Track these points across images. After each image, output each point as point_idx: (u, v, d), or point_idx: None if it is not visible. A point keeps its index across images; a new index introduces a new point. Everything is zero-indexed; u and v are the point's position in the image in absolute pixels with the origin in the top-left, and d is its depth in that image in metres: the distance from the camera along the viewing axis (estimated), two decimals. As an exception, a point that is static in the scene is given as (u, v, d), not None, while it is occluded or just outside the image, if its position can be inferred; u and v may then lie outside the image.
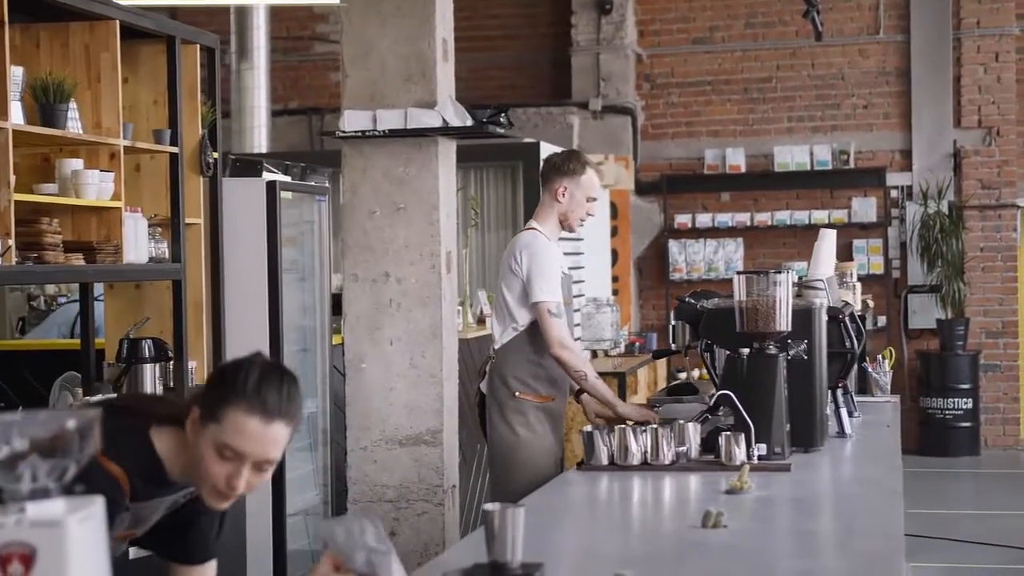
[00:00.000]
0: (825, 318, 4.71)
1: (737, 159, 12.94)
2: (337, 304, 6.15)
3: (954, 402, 12.32)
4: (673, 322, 5.14)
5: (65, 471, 1.74)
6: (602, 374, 9.10)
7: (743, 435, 4.20)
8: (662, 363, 11.38)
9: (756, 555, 3.06)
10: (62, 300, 8.05)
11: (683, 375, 12.24)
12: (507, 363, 5.28)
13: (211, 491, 2.63)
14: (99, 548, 1.75)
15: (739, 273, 4.46)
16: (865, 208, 12.72)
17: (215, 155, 5.95)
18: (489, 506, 2.72)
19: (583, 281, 10.57)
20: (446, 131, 5.95)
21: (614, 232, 12.39)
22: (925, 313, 12.67)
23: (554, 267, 5.22)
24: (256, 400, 2.56)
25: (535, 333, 5.20)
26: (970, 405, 12.34)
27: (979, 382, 12.46)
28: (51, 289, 7.92)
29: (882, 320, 12.62)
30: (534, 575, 2.73)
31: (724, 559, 3.00)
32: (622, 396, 8.76)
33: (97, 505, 1.76)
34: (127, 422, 2.68)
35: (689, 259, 13.02)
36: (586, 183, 5.35)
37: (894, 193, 12.81)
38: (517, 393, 5.23)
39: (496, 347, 5.35)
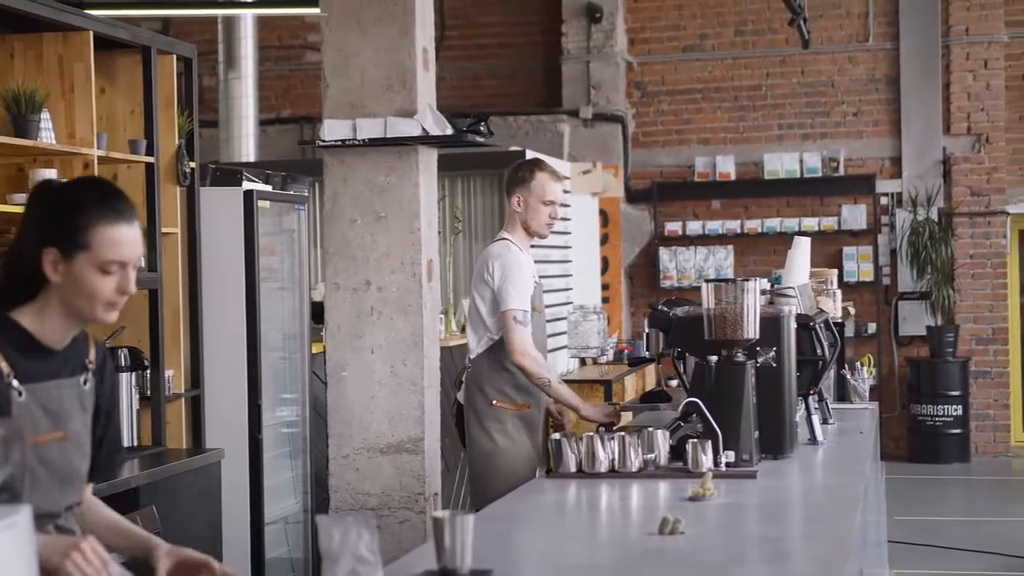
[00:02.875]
0: (794, 325, 4.72)
1: (727, 167, 12.96)
2: (319, 312, 6.17)
3: (944, 409, 12.32)
4: (647, 330, 5.16)
5: (-12, 480, 1.76)
6: (589, 381, 9.20)
7: (710, 442, 4.21)
8: (651, 370, 11.39)
9: (708, 561, 3.07)
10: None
11: (674, 383, 12.24)
12: (483, 372, 5.33)
13: (104, 308, 2.73)
14: (25, 556, 1.77)
15: (707, 281, 4.47)
16: (855, 215, 12.73)
17: (192, 165, 5.97)
18: (438, 514, 2.74)
19: (571, 289, 10.59)
20: (426, 140, 5.97)
21: (604, 240, 12.42)
22: (915, 320, 12.67)
23: (524, 276, 5.26)
24: (113, 213, 2.71)
25: None
26: (960, 412, 12.35)
27: (969, 389, 12.47)
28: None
29: (872, 327, 12.63)
30: (482, 582, 2.75)
31: (675, 565, 3.02)
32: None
33: (23, 514, 1.78)
34: None
35: (680, 267, 13.03)
36: (537, 188, 5.38)
37: (884, 200, 12.82)
38: (494, 402, 5.29)
39: (471, 356, 5.39)
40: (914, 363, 12.55)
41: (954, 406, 12.32)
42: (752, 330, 4.38)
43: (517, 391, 5.29)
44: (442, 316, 7.88)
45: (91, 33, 5.15)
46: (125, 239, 2.71)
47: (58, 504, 2.79)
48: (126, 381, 5.38)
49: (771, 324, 4.53)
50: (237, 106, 10.74)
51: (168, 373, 5.74)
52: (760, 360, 4.47)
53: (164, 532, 4.79)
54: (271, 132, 12.95)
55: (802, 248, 5.49)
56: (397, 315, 5.98)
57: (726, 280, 4.45)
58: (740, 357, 4.40)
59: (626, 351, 10.95)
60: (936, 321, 12.46)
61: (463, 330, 8.07)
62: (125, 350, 5.43)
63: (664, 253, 13.02)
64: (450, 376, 6.90)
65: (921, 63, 12.71)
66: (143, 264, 5.62)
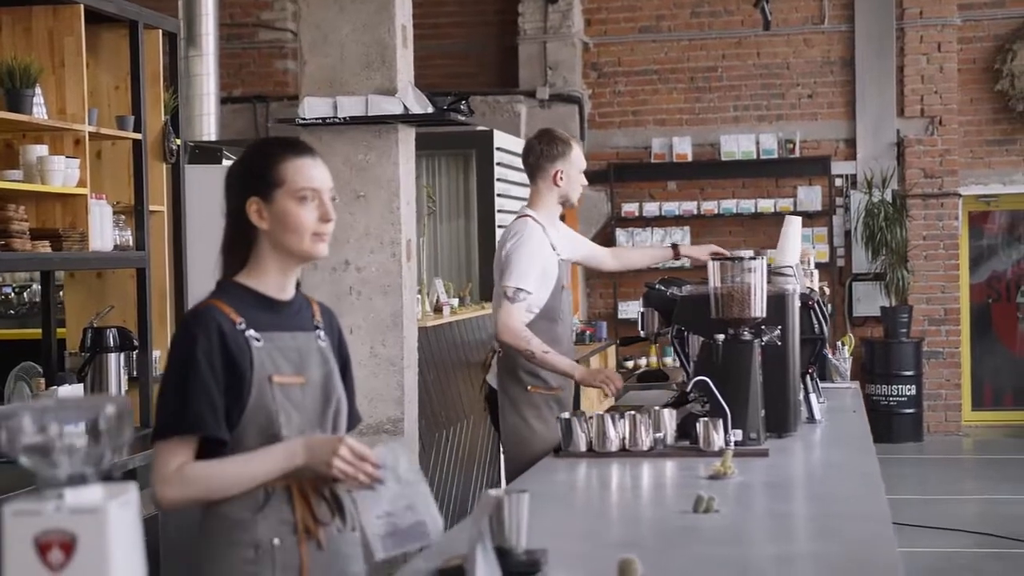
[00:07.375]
0: (798, 304, 4.73)
1: (684, 148, 12.99)
2: (297, 292, 6.10)
3: (898, 389, 12.45)
4: (642, 309, 5.12)
5: (102, 457, 1.72)
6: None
7: (720, 421, 4.21)
8: (611, 351, 11.43)
9: (753, 539, 3.07)
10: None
11: (630, 363, 12.28)
12: (515, 357, 5.15)
13: (312, 240, 2.87)
14: (137, 533, 1.73)
15: (714, 259, 4.47)
16: (810, 197, 12.82)
17: (177, 142, 5.88)
18: (494, 491, 2.71)
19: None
20: (407, 118, 5.92)
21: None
22: (869, 301, 12.79)
23: (534, 253, 5.15)
24: (293, 150, 2.91)
25: (542, 325, 5.13)
26: (913, 392, 12.48)
27: (922, 369, 12.61)
28: (21, 277, 7.83)
29: (828, 307, 12.71)
30: (539, 560, 2.73)
31: (721, 543, 3.01)
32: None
33: (132, 492, 1.74)
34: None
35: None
36: (576, 159, 5.43)
37: (839, 182, 12.92)
38: (530, 387, 5.16)
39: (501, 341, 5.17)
40: (868, 343, 12.66)
41: (907, 386, 12.45)
42: (759, 308, 4.38)
43: (550, 374, 5.17)
44: (417, 297, 7.83)
45: (82, 7, 5.04)
46: (314, 169, 2.89)
47: None
48: (115, 361, 5.29)
49: (776, 302, 4.54)
50: (198, 84, 10.57)
51: (156, 353, 5.64)
52: (766, 338, 4.47)
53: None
54: (224, 111, 12.77)
55: (794, 227, 5.50)
56: (376, 295, 5.94)
57: (732, 258, 4.44)
58: (747, 335, 4.40)
59: (587, 332, 10.98)
60: (890, 302, 12.58)
61: (437, 311, 8.03)
62: (114, 330, 5.34)
63: (621, 234, 13.03)
64: (425, 357, 6.86)
65: (876, 45, 12.80)
66: (129, 242, 5.53)
